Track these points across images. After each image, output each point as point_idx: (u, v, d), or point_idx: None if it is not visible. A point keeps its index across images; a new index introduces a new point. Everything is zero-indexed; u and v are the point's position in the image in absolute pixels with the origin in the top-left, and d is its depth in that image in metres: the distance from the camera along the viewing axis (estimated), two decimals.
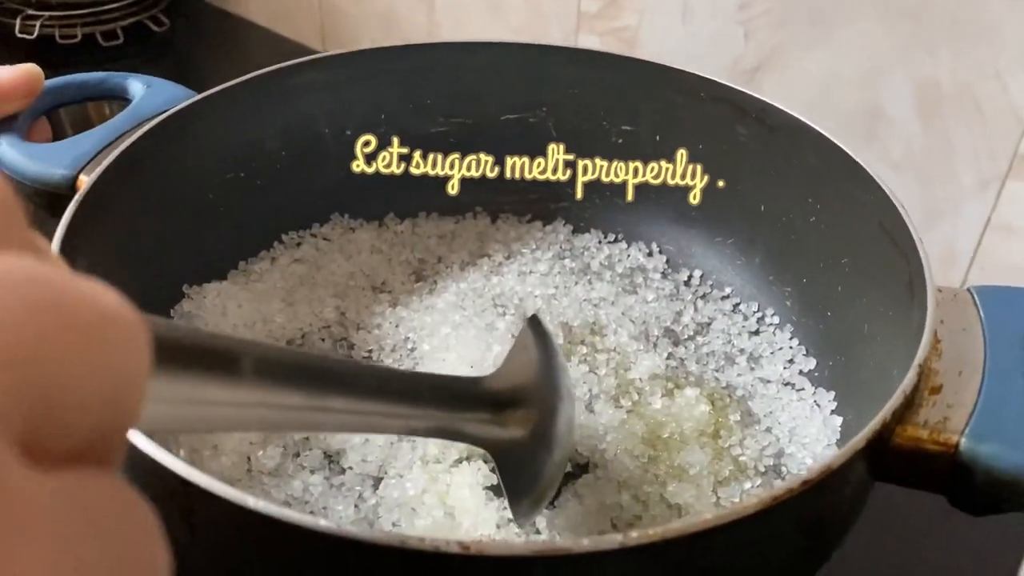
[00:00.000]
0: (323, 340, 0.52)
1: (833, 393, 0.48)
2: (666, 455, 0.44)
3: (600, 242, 0.60)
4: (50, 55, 1.00)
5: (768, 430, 0.48)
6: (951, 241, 0.71)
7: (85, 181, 0.45)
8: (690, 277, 0.58)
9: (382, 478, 0.44)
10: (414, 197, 0.61)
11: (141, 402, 0.14)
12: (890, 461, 0.35)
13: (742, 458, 0.45)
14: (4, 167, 0.47)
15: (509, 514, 0.41)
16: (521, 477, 0.37)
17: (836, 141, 0.48)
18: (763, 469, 0.45)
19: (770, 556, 0.33)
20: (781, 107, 0.51)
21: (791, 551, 0.34)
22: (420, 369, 0.50)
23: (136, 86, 0.53)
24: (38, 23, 1.00)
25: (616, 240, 0.61)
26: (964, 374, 0.37)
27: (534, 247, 0.60)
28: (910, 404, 0.36)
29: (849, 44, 0.69)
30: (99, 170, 0.45)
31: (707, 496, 0.43)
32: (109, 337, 0.14)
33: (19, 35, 1.00)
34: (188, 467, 0.29)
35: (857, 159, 0.47)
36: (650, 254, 0.59)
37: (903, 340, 0.41)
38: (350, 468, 0.45)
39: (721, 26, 0.76)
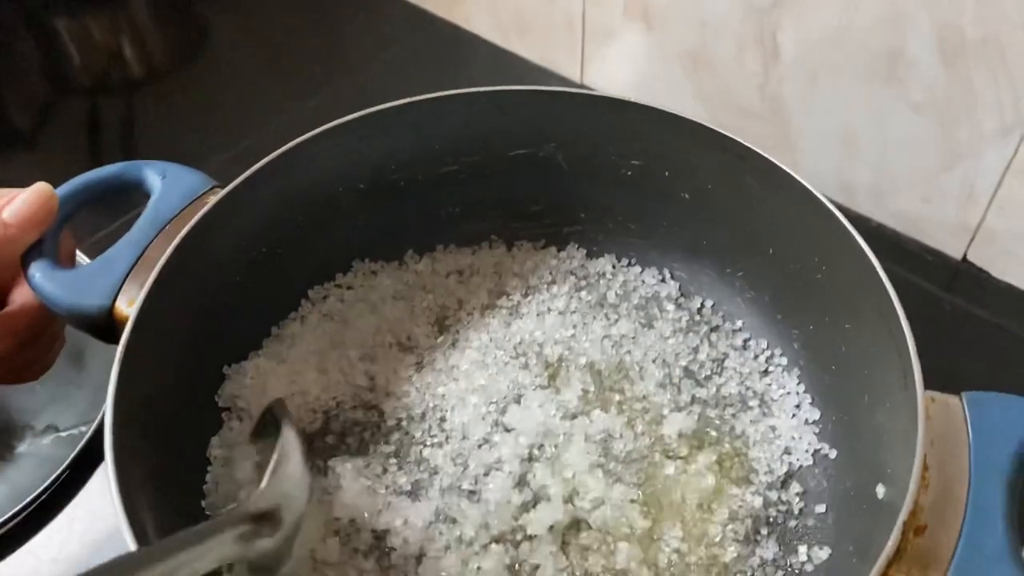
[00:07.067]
0: (355, 408, 0.56)
1: (835, 452, 0.52)
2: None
3: (614, 267, 0.62)
4: None
5: (757, 492, 0.52)
6: (971, 180, 0.72)
7: (128, 314, 0.47)
8: (702, 306, 0.60)
9: (423, 556, 0.49)
10: (430, 231, 0.63)
11: None
12: None
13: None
14: (42, 299, 0.50)
15: None
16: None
17: (844, 221, 0.49)
18: (705, 559, 0.49)
19: None
20: (787, 170, 0.51)
21: None
22: (452, 436, 0.54)
23: (152, 177, 0.54)
24: None
25: (630, 264, 0.62)
26: (947, 513, 0.40)
27: (550, 279, 0.62)
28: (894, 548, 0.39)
29: None
30: (138, 303, 0.47)
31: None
32: None
33: None
34: None
35: (865, 248, 0.47)
36: (663, 280, 0.61)
37: (898, 433, 0.44)
38: (393, 549, 0.50)
39: None
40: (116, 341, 0.46)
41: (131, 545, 0.38)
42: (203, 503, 0.50)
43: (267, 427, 0.49)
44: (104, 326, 0.50)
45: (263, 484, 0.43)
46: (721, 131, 0.54)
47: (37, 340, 0.53)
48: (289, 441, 0.45)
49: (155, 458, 0.46)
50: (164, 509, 0.45)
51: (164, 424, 0.48)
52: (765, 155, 0.52)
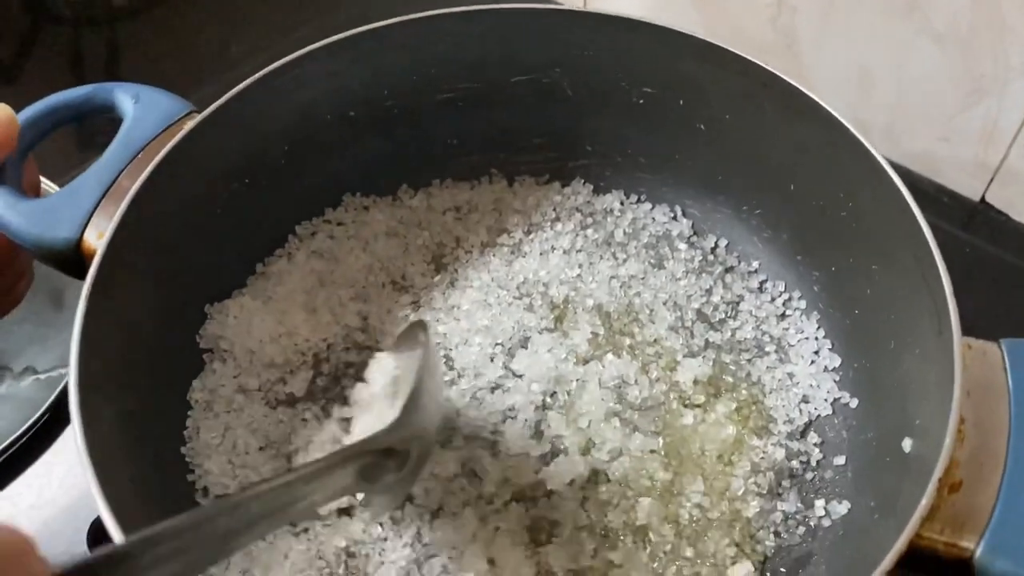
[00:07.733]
0: (348, 349, 0.52)
1: (856, 401, 0.49)
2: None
3: (623, 203, 0.59)
4: None
5: (778, 443, 0.49)
6: (993, 118, 0.68)
7: (96, 247, 0.44)
8: (716, 245, 0.57)
9: (440, 509, 0.46)
10: (426, 165, 0.59)
11: None
12: (908, 561, 0.36)
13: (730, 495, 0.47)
14: (4, 230, 0.46)
15: (545, 567, 0.44)
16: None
17: (876, 155, 0.45)
18: (727, 514, 0.47)
19: None
20: (815, 98, 0.48)
21: None
22: (464, 375, 0.51)
23: (125, 101, 0.50)
24: None
25: (640, 200, 0.59)
26: (985, 469, 0.37)
27: (554, 216, 0.58)
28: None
29: None
30: (108, 236, 0.43)
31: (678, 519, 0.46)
32: None
33: None
34: None
35: (899, 184, 0.44)
36: (675, 217, 0.58)
37: (929, 382, 0.41)
38: (412, 498, 0.47)
39: None
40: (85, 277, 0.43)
41: (100, 504, 0.35)
42: (183, 449, 0.47)
43: (410, 339, 0.45)
44: (72, 260, 0.46)
45: (397, 415, 0.39)
46: (742, 54, 0.50)
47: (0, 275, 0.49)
48: (430, 368, 0.42)
49: (129, 404, 0.43)
50: (139, 460, 0.42)
51: (139, 367, 0.45)
52: (790, 81, 0.48)
